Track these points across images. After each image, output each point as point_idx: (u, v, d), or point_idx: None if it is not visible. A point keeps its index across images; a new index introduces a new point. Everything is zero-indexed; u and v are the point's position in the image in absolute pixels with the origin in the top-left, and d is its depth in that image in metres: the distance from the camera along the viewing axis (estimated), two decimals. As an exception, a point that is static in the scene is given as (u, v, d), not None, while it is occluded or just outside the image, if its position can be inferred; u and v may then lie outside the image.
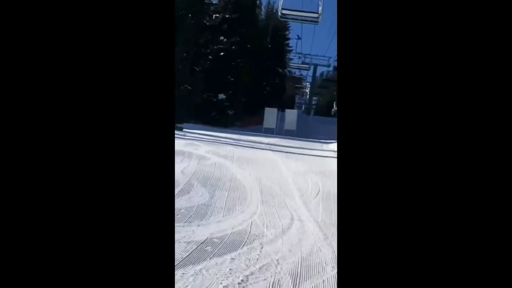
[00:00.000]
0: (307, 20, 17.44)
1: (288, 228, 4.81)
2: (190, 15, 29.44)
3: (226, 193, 6.32)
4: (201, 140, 14.46)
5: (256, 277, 3.28)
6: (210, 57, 29.82)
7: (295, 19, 17.89)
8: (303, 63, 44.02)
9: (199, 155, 9.78)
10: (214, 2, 31.57)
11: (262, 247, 4.04)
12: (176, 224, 4.52)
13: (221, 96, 29.93)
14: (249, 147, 13.23)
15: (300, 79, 52.15)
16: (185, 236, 4.18)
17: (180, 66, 28.96)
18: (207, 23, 31.26)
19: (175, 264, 3.39)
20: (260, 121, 25.63)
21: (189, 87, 29.27)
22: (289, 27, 38.40)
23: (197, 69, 30.05)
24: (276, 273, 3.43)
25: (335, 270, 3.58)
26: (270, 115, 24.43)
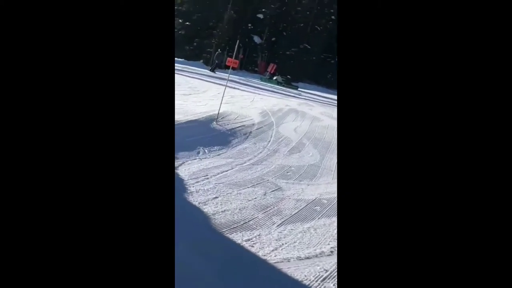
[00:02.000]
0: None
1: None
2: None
3: (336, 157, 6.26)
4: (316, 100, 14.36)
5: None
6: (333, 17, 29.00)
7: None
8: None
9: (312, 116, 9.75)
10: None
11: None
12: (285, 181, 4.62)
13: (340, 58, 29.19)
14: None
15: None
16: (294, 193, 4.25)
17: (301, 24, 28.68)
18: (334, -19, 30.24)
19: (285, 219, 3.48)
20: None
21: (308, 46, 28.96)
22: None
23: (318, 28, 29.49)
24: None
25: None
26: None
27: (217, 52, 22.06)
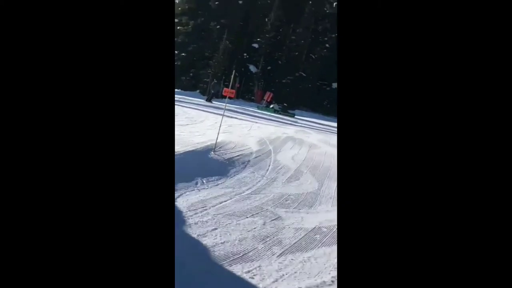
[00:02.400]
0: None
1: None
2: (310, 1, 29.30)
3: (335, 184, 6.25)
4: (312, 128, 14.42)
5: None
6: (327, 45, 29.47)
7: None
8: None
9: (310, 143, 9.78)
10: (335, -11, 31.04)
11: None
12: (285, 210, 4.60)
13: (335, 85, 29.53)
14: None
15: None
16: (294, 222, 4.22)
17: (296, 53, 29.08)
18: (327, 11, 30.86)
19: (285, 249, 3.45)
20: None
21: (303, 74, 29.29)
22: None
23: (313, 56, 29.90)
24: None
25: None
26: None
27: (212, 82, 22.21)
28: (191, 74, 25.46)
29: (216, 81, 22.46)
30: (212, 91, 21.02)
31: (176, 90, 23.94)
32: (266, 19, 30.42)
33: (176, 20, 30.18)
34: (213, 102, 19.27)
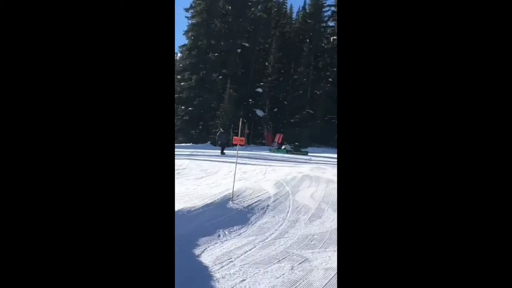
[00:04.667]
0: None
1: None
2: (307, 40, 29.92)
3: (359, 217, 6.15)
4: (327, 163, 14.36)
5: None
6: (330, 79, 29.82)
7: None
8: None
9: (327, 179, 9.71)
10: (330, 24, 31.76)
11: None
12: (311, 251, 4.52)
13: (343, 117, 29.57)
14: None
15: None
16: (322, 262, 4.14)
17: (300, 91, 29.43)
18: (325, 46, 31.43)
19: None
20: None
21: (310, 111, 29.50)
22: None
23: (318, 92, 30.20)
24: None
25: None
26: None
27: (219, 132, 19.69)
28: (200, 126, 25.83)
29: (221, 130, 19.93)
30: (219, 142, 18.64)
31: (187, 144, 24.19)
32: (266, 63, 31.04)
33: (178, 77, 30.91)
34: (223, 154, 17.36)
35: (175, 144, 21.71)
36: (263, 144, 28.20)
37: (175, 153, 16.45)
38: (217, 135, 18.94)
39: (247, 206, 6.39)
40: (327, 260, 4.23)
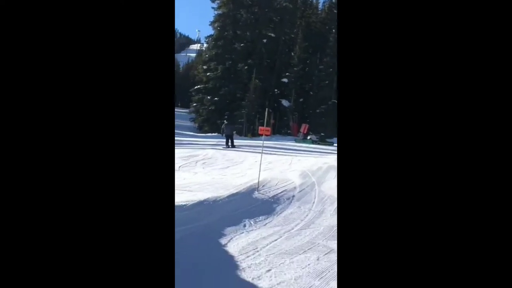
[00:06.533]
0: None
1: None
2: (333, 30, 29.56)
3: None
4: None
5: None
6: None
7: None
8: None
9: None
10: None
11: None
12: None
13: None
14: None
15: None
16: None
17: (326, 82, 29.16)
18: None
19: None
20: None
21: (336, 101, 29.21)
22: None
23: (344, 82, 29.80)
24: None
25: None
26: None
27: (223, 124, 16.60)
28: (225, 116, 25.92)
29: (226, 122, 16.53)
30: (224, 134, 15.74)
31: (212, 134, 24.29)
32: (292, 53, 30.81)
33: (204, 67, 31.03)
34: (231, 146, 15.04)
35: (201, 134, 21.83)
36: (289, 135, 28.11)
37: (201, 142, 16.59)
38: (222, 127, 16.28)
39: (273, 196, 6.39)
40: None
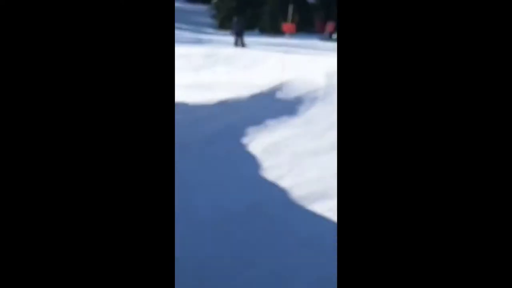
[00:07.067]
0: None
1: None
2: None
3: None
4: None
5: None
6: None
7: None
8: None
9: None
10: None
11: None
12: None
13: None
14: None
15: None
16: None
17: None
18: None
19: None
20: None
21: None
22: None
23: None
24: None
25: None
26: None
27: (234, 20, 15.01)
28: (247, 13, 24.93)
29: (236, 19, 14.91)
30: (235, 32, 14.08)
31: (232, 31, 23.62)
32: None
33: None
34: (243, 45, 13.70)
35: (222, 31, 21.27)
36: (313, 33, 27.22)
37: (222, 40, 16.18)
38: (232, 23, 14.59)
39: (296, 97, 6.25)
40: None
